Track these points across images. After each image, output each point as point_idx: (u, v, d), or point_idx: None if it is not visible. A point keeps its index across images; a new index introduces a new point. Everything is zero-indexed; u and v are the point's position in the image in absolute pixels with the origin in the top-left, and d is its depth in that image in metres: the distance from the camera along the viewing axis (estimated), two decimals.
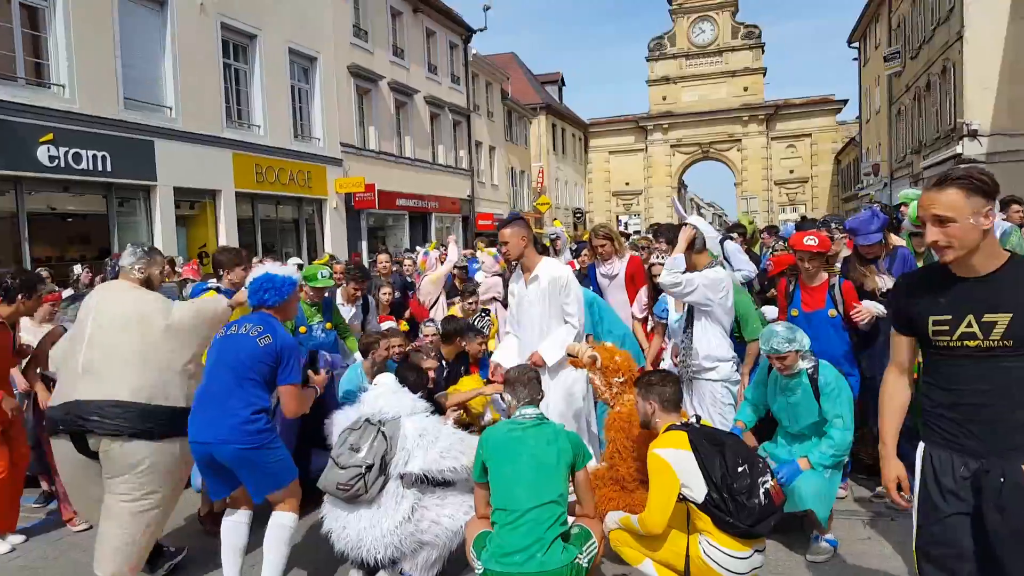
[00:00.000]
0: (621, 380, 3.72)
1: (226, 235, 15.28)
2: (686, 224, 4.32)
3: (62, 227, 12.94)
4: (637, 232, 24.80)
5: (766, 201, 42.19)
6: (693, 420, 3.19)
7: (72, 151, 11.61)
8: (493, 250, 8.74)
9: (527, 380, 3.33)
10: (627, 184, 46.36)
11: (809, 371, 3.79)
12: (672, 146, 44.81)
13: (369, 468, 3.31)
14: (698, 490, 2.94)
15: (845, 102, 42.48)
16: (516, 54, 41.11)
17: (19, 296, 4.26)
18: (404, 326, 7.03)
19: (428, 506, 3.41)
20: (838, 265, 5.05)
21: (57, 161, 11.36)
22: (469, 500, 3.46)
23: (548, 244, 8.51)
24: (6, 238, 11.20)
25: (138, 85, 13.20)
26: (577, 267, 7.55)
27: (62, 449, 3.50)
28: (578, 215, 42.21)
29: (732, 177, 45.07)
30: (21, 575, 4.01)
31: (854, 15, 33.24)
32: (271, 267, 3.63)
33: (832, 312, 4.39)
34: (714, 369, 4.26)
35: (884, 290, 4.38)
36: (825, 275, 4.51)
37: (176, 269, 11.42)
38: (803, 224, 8.57)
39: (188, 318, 3.65)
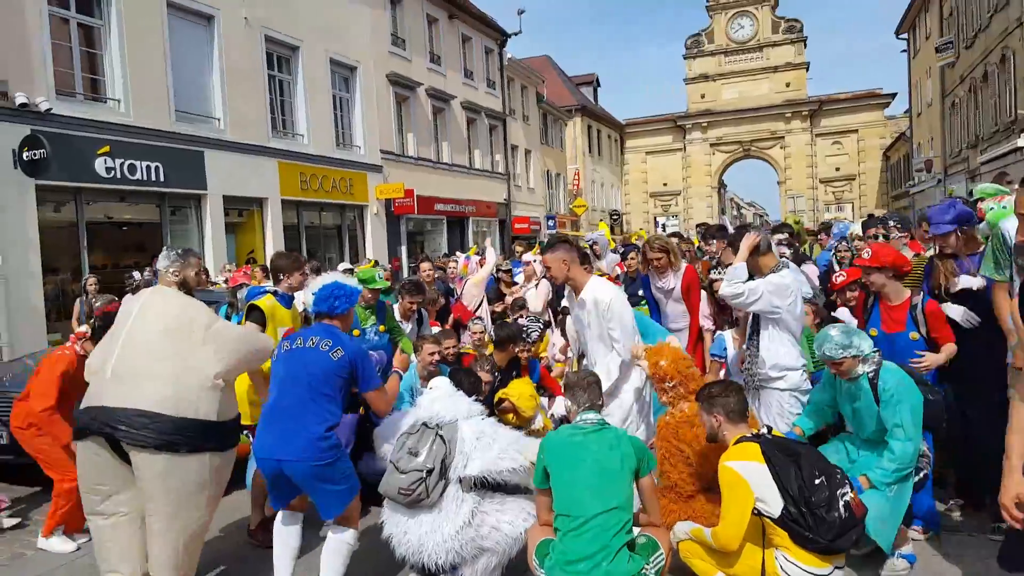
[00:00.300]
0: (672, 385, 3.64)
1: (273, 242, 15.62)
2: (750, 230, 4.17)
3: (118, 235, 13.38)
4: (676, 235, 24.32)
5: (811, 200, 41.28)
6: (764, 430, 3.09)
7: (127, 162, 12.01)
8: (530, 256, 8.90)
9: (586, 384, 3.30)
10: (665, 185, 45.87)
11: (870, 375, 3.54)
12: (712, 145, 44.13)
13: (430, 472, 3.34)
14: (774, 504, 2.84)
15: (894, 96, 41.30)
16: (550, 56, 41.13)
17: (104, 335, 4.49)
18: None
19: (488, 511, 3.41)
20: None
21: (113, 172, 11.76)
22: (529, 506, 3.45)
23: (588, 249, 8.45)
24: (67, 247, 11.63)
25: (188, 98, 13.61)
26: (625, 269, 7.52)
27: (85, 454, 3.41)
28: (615, 217, 41.93)
29: (774, 176, 44.19)
30: (88, 572, 4.15)
31: (902, 4, 32.26)
32: (335, 276, 3.66)
33: (914, 335, 4.03)
34: (782, 378, 4.04)
35: (975, 288, 4.04)
36: (907, 292, 4.16)
37: (210, 277, 11.70)
38: (869, 222, 8.19)
39: (231, 334, 3.57)
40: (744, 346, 4.30)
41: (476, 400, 3.80)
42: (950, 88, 26.31)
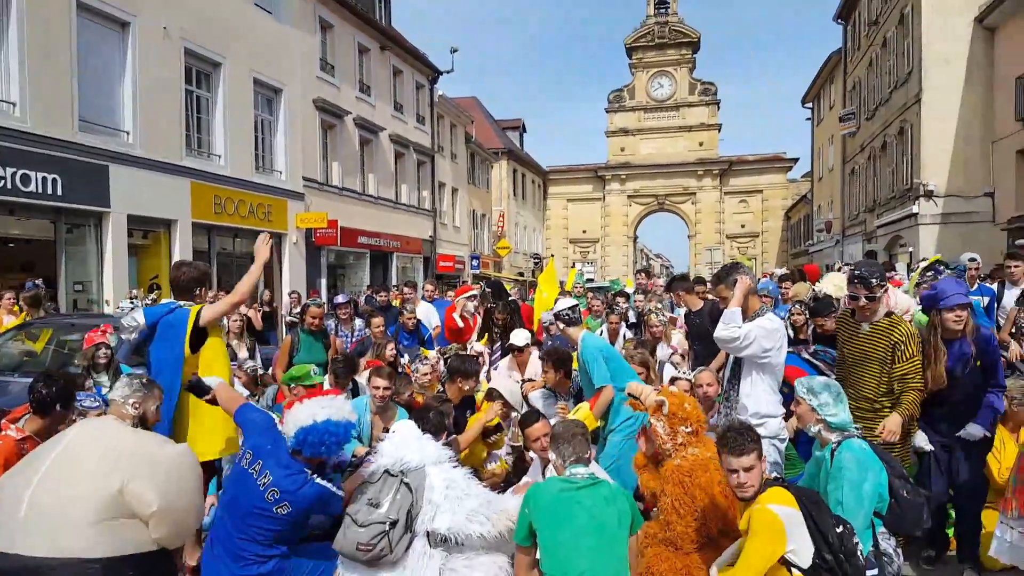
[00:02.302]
0: (688, 430, 3.35)
1: None
2: (741, 273, 4.00)
3: (5, 252, 12.03)
4: (644, 271, 24.66)
5: (720, 254, 43.11)
6: (773, 477, 2.83)
7: (20, 172, 10.83)
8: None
9: (571, 436, 2.96)
10: (584, 232, 46.82)
11: (832, 446, 3.36)
12: (629, 196, 45.60)
13: (393, 524, 2.86)
14: (804, 553, 2.61)
15: (796, 160, 44.21)
16: (478, 98, 41.52)
17: (56, 407, 3.86)
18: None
19: (457, 568, 2.97)
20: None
21: (3, 182, 10.57)
22: (503, 561, 3.04)
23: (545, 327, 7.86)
24: None
25: (95, 107, 12.55)
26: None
27: None
28: (536, 260, 42.25)
29: (685, 230, 46.03)
30: None
31: (810, 75, 34.72)
32: (318, 410, 3.14)
33: None
34: (762, 425, 3.84)
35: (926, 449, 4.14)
36: None
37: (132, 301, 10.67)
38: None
39: (177, 469, 2.96)
40: (724, 392, 4.08)
41: (444, 444, 3.33)
42: (851, 155, 28.25)
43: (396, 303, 10.54)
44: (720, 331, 3.85)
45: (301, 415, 3.13)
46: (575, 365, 5.38)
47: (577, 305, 5.11)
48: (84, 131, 12.15)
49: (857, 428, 3.44)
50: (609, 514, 2.73)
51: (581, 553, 2.62)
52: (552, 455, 2.99)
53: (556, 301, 4.84)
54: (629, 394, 3.64)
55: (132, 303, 10.21)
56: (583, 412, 4.40)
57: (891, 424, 3.89)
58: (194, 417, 3.65)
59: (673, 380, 5.09)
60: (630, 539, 2.82)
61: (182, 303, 3.85)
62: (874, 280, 3.95)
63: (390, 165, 24.23)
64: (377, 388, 4.48)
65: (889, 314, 4.07)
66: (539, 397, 5.26)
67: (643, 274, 12.08)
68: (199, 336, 3.67)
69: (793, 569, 2.65)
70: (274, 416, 3.54)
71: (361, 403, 4.42)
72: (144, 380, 3.23)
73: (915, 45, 19.85)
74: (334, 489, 3.13)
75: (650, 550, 3.20)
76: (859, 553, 2.67)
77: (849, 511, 3.10)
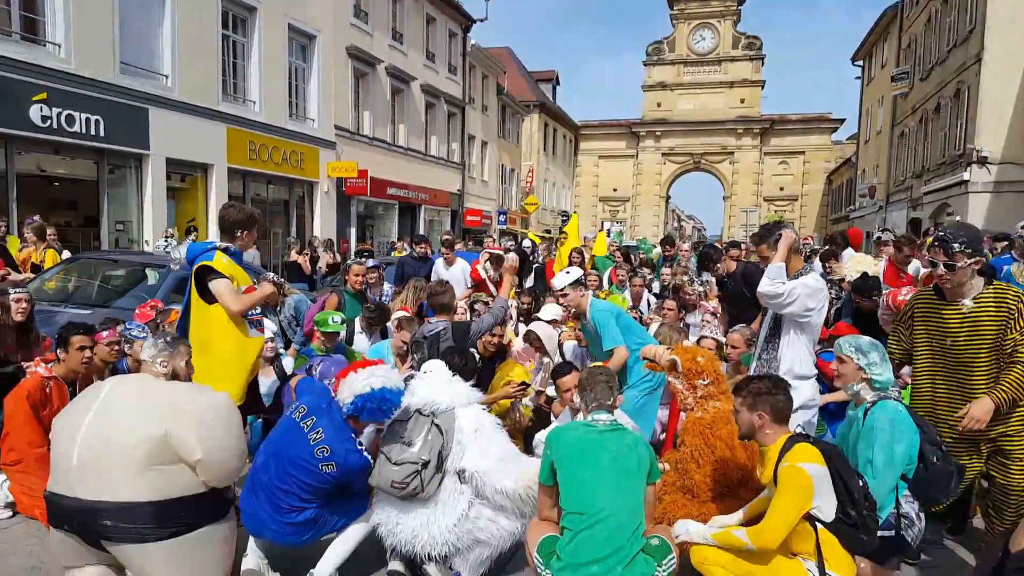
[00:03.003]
0: (706, 383, 3.46)
1: (216, 211, 14.77)
2: (785, 229, 3.93)
3: (51, 191, 12.40)
4: (621, 233, 24.25)
5: (756, 216, 42.39)
6: (799, 431, 2.91)
7: (65, 112, 11.10)
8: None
9: (594, 383, 3.06)
10: (615, 190, 46.24)
11: (867, 406, 3.38)
12: (664, 154, 44.72)
13: (425, 465, 3.03)
14: (828, 508, 2.71)
15: (842, 121, 42.70)
16: (511, 49, 40.80)
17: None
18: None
19: (482, 514, 3.14)
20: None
21: (49, 122, 10.85)
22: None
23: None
24: None
25: (135, 50, 12.71)
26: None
27: (60, 540, 3.04)
28: (564, 218, 42.03)
29: (720, 191, 45.13)
30: None
31: (861, 32, 33.30)
32: (374, 378, 3.28)
33: None
34: (796, 390, 3.69)
35: None
36: None
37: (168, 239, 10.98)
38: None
39: (213, 418, 3.08)
40: (758, 351, 4.11)
41: (473, 385, 3.49)
42: (901, 117, 27.19)
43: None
44: (764, 286, 3.78)
45: (357, 383, 3.26)
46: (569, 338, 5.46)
47: (581, 275, 4.97)
48: (125, 73, 12.34)
49: (896, 389, 3.42)
50: (631, 459, 2.83)
51: (602, 491, 2.73)
52: (577, 400, 3.09)
53: (563, 271, 4.77)
54: (644, 357, 3.71)
55: (167, 241, 10.53)
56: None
57: (977, 411, 3.27)
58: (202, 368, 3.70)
59: (700, 340, 5.13)
60: (648, 487, 2.91)
61: (222, 244, 3.91)
62: (956, 245, 3.31)
63: (421, 116, 24.14)
64: (406, 342, 4.79)
65: (991, 280, 3.41)
66: (574, 348, 5.41)
67: (666, 245, 11.70)
68: (203, 286, 3.75)
69: (816, 523, 2.74)
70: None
71: (383, 347, 4.63)
72: (169, 338, 3.36)
73: (978, 3, 18.88)
74: (369, 463, 3.31)
75: (667, 497, 3.35)
76: (878, 511, 2.78)
77: (878, 472, 3.12)
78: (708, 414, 3.38)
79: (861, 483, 2.76)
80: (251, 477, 3.22)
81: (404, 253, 12.79)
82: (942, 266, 3.33)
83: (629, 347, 4.52)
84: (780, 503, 2.75)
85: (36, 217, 9.36)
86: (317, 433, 3.12)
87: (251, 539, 3.25)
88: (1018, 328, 3.16)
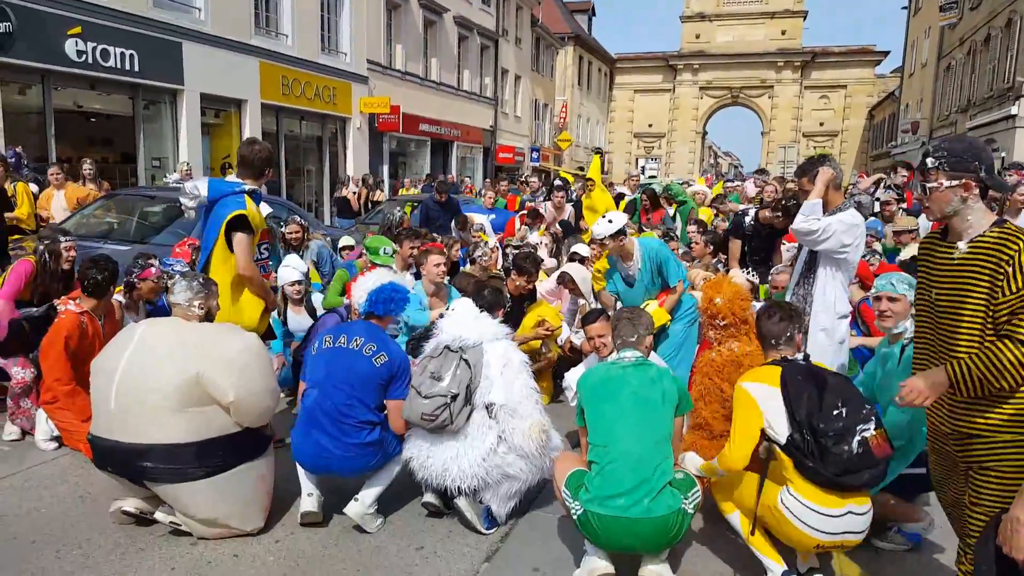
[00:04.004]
0: (723, 323, 3.50)
1: None
2: (823, 165, 3.82)
3: (87, 127, 12.58)
4: (653, 178, 23.18)
5: (794, 152, 41.23)
6: (799, 357, 2.91)
7: (100, 47, 11.16)
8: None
9: (625, 320, 3.12)
10: (650, 126, 45.21)
11: (904, 342, 3.34)
12: (701, 88, 43.45)
13: (454, 398, 3.15)
14: (781, 429, 2.72)
15: (886, 54, 40.93)
16: None
17: (109, 289, 4.30)
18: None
19: (507, 451, 3.27)
20: None
21: (85, 56, 10.93)
22: (554, 437, 3.39)
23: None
24: (33, 134, 10.88)
25: None
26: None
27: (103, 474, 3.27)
28: (599, 154, 41.33)
29: (758, 126, 43.90)
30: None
31: None
32: (382, 276, 3.58)
33: None
34: (826, 330, 3.82)
35: None
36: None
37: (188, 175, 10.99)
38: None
39: (244, 360, 3.17)
40: (792, 287, 4.08)
41: (501, 322, 3.59)
42: (948, 49, 26.01)
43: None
44: (799, 223, 3.74)
45: (367, 283, 3.52)
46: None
47: (624, 224, 4.80)
48: (158, 6, 12.31)
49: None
50: (654, 391, 2.89)
51: (625, 424, 2.81)
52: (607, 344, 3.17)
53: (604, 219, 4.74)
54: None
55: (180, 176, 10.50)
56: (652, 308, 4.50)
57: (921, 382, 2.28)
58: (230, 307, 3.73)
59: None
60: (676, 419, 2.97)
61: (248, 185, 3.75)
62: (931, 160, 2.35)
63: (453, 49, 23.68)
64: (438, 265, 4.93)
65: (1002, 221, 2.34)
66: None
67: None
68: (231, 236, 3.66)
69: (775, 447, 2.76)
70: None
71: (418, 286, 4.79)
72: (202, 279, 3.41)
73: None
74: (409, 362, 3.47)
75: (687, 436, 3.45)
76: (850, 441, 2.64)
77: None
78: (721, 356, 3.42)
79: (843, 412, 2.66)
80: (306, 416, 3.29)
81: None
82: (919, 187, 2.49)
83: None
84: (733, 422, 2.83)
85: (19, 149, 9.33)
86: (355, 341, 3.32)
87: (306, 482, 3.36)
88: (1013, 288, 2.17)
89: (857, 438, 2.65)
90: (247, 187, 3.74)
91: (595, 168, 9.13)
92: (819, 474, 2.66)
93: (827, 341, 3.82)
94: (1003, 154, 18.30)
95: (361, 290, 3.52)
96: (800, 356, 2.95)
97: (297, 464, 3.38)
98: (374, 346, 3.31)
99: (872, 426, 2.70)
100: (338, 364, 3.28)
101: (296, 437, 3.33)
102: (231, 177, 3.87)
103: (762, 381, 2.81)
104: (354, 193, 13.68)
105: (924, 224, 6.28)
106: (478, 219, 8.55)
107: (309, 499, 3.33)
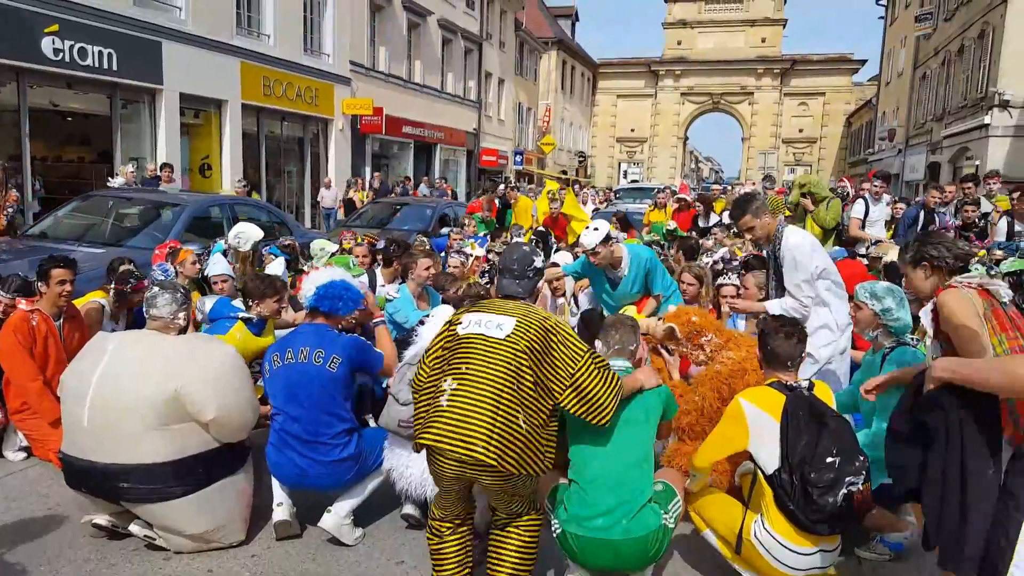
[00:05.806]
0: (709, 338, 3.45)
1: (230, 149, 14.74)
2: (747, 214, 3.86)
3: (63, 126, 12.37)
4: (635, 182, 23.19)
5: (775, 158, 41.64)
6: (805, 385, 2.84)
7: (78, 45, 10.96)
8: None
9: (618, 326, 3.04)
10: (632, 131, 45.44)
11: (886, 352, 3.38)
12: (682, 94, 43.79)
13: None
14: (769, 461, 2.70)
15: (863, 62, 41.59)
16: None
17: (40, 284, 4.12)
18: None
19: None
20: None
21: (62, 55, 10.73)
22: None
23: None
24: (7, 133, 10.66)
25: None
26: None
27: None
28: (581, 159, 41.47)
29: (738, 132, 44.33)
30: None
31: None
32: (335, 273, 3.40)
33: None
34: (828, 345, 3.81)
35: None
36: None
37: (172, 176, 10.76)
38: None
39: (226, 376, 3.12)
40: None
41: None
42: (923, 59, 26.41)
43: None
44: (789, 313, 3.62)
45: (319, 276, 3.35)
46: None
47: (608, 230, 4.83)
48: (138, 5, 12.13)
49: (914, 338, 3.38)
50: (636, 410, 2.80)
51: (604, 446, 2.73)
52: (598, 344, 3.04)
53: (590, 228, 4.74)
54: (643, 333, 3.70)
55: (126, 180, 10.24)
56: (630, 313, 4.47)
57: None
58: None
59: (720, 286, 5.11)
60: (661, 424, 2.90)
61: (244, 316, 4.17)
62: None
63: (437, 52, 23.62)
64: (428, 268, 4.96)
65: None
66: (588, 295, 5.48)
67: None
68: None
69: (759, 472, 2.75)
70: None
71: (405, 289, 4.78)
72: (182, 289, 3.38)
73: None
74: (364, 340, 3.41)
75: (683, 447, 3.39)
76: (836, 494, 2.57)
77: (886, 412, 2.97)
78: (726, 366, 3.36)
79: (836, 461, 2.60)
80: (277, 439, 3.21)
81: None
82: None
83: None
84: (716, 428, 2.83)
85: None
86: (303, 353, 3.15)
87: (279, 491, 3.30)
88: None
89: (843, 491, 2.60)
90: (240, 313, 4.09)
91: (571, 202, 8.73)
92: (796, 517, 2.66)
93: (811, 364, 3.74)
94: (977, 162, 18.61)
95: (310, 283, 3.32)
96: (805, 384, 2.86)
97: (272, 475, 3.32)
98: (322, 351, 3.14)
99: (860, 481, 2.65)
100: (296, 384, 3.14)
101: (271, 454, 3.25)
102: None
103: (763, 408, 2.76)
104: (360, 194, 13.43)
105: None
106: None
107: (279, 509, 3.27)
